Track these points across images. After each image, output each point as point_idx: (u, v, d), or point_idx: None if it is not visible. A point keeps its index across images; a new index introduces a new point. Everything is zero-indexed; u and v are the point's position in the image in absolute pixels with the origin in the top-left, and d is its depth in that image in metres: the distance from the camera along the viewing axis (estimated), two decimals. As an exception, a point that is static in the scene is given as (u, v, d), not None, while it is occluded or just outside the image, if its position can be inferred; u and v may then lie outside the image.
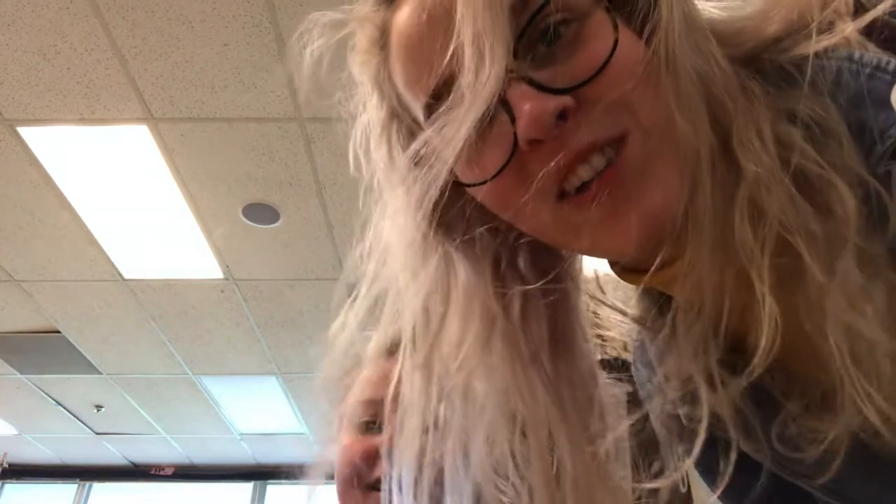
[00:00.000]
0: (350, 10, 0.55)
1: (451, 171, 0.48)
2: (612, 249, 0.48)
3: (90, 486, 6.63)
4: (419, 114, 0.50)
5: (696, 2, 0.51)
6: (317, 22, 0.56)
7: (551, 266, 0.56)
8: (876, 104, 0.43)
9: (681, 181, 0.45)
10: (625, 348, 0.67)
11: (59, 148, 2.96)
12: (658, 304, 0.57)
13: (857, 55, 0.45)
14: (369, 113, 0.56)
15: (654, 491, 0.54)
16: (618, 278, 0.57)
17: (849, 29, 0.46)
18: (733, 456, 0.49)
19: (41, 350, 4.54)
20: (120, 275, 3.76)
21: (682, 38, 0.45)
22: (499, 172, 0.46)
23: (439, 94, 0.47)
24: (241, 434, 5.87)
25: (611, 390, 0.61)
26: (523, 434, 0.55)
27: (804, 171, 0.44)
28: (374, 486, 0.83)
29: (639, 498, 0.55)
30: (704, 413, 0.48)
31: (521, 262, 0.56)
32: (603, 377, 0.60)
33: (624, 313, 0.61)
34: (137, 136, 2.90)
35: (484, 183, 0.47)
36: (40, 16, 2.41)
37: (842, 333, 0.41)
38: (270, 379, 4.88)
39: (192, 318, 4.18)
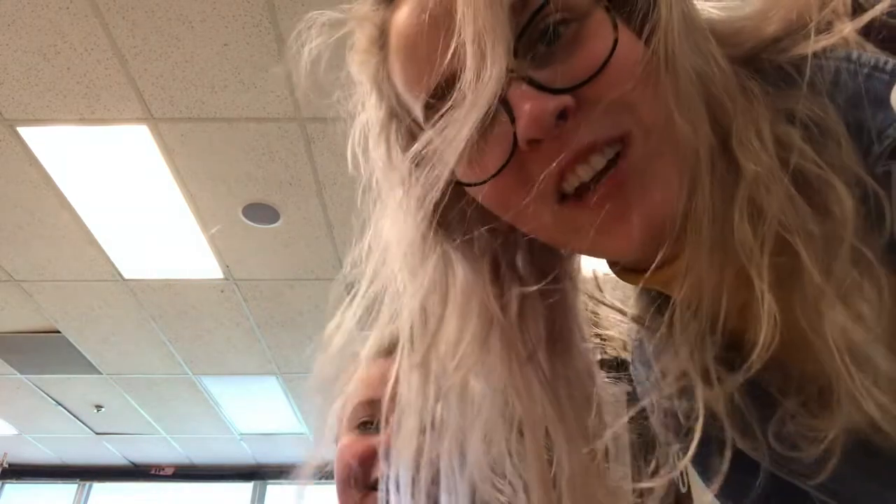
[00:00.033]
0: (349, 10, 0.55)
1: (452, 171, 0.48)
2: (614, 250, 0.48)
3: (90, 486, 6.63)
4: (419, 113, 0.50)
5: (696, 2, 0.51)
6: (315, 21, 0.56)
7: (550, 266, 0.56)
8: (874, 104, 0.43)
9: (680, 181, 0.45)
10: (624, 348, 0.67)
11: (59, 148, 2.96)
12: (656, 304, 0.57)
13: (855, 55, 0.45)
14: (368, 112, 0.56)
15: (653, 489, 0.54)
16: (616, 278, 0.57)
17: (847, 29, 0.46)
18: (728, 454, 0.49)
19: (41, 350, 4.54)
20: (120, 275, 3.76)
21: (681, 38, 0.45)
22: (498, 172, 0.46)
23: (439, 94, 0.47)
24: (241, 434, 5.87)
25: (609, 389, 0.61)
26: (520, 433, 0.56)
27: (803, 171, 0.44)
28: (373, 487, 0.84)
29: (640, 496, 0.56)
30: (700, 410, 0.48)
31: (520, 262, 0.57)
32: (601, 376, 0.60)
33: (623, 312, 0.61)
34: (137, 136, 2.90)
35: (483, 183, 0.47)
36: (40, 16, 2.41)
37: (838, 331, 0.41)
38: (270, 379, 4.88)
39: (192, 318, 4.18)
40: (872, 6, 0.46)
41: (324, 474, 0.91)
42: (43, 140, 2.92)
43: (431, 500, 0.57)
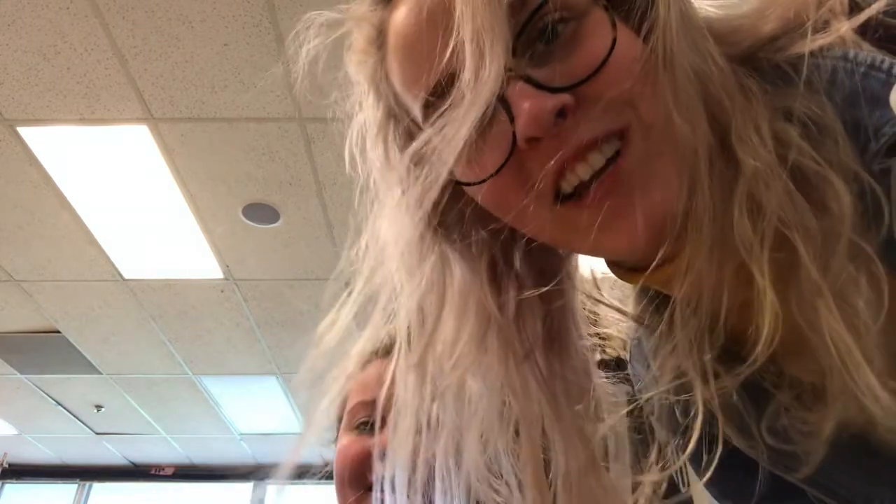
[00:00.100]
0: (347, 10, 0.55)
1: (451, 171, 0.48)
2: (615, 249, 0.48)
3: (90, 486, 6.63)
4: (417, 113, 0.50)
5: (693, 1, 0.51)
6: (313, 21, 0.56)
7: (548, 265, 0.56)
8: (870, 102, 0.43)
9: (680, 179, 0.45)
10: (624, 347, 0.67)
11: (59, 148, 2.96)
12: (655, 303, 0.57)
13: (851, 54, 0.45)
14: (366, 112, 0.56)
15: (651, 488, 0.54)
16: (615, 277, 0.57)
17: (844, 28, 0.46)
18: (719, 448, 0.49)
19: (41, 350, 4.55)
20: (120, 275, 3.76)
21: (679, 37, 0.46)
22: (498, 171, 0.46)
23: (438, 93, 0.47)
24: (241, 434, 5.87)
25: (608, 389, 0.61)
26: (517, 433, 0.56)
27: (801, 167, 0.44)
28: (370, 487, 0.84)
29: (639, 495, 0.56)
30: (700, 407, 0.48)
31: (518, 262, 0.57)
32: (599, 375, 0.60)
33: (621, 311, 0.61)
34: (137, 136, 2.90)
35: (483, 182, 0.47)
36: (40, 16, 2.41)
37: (835, 327, 0.41)
38: (270, 379, 4.89)
39: (192, 318, 4.18)
40: (869, 5, 0.46)
41: (324, 474, 0.92)
42: (43, 140, 2.92)
43: (427, 501, 0.57)
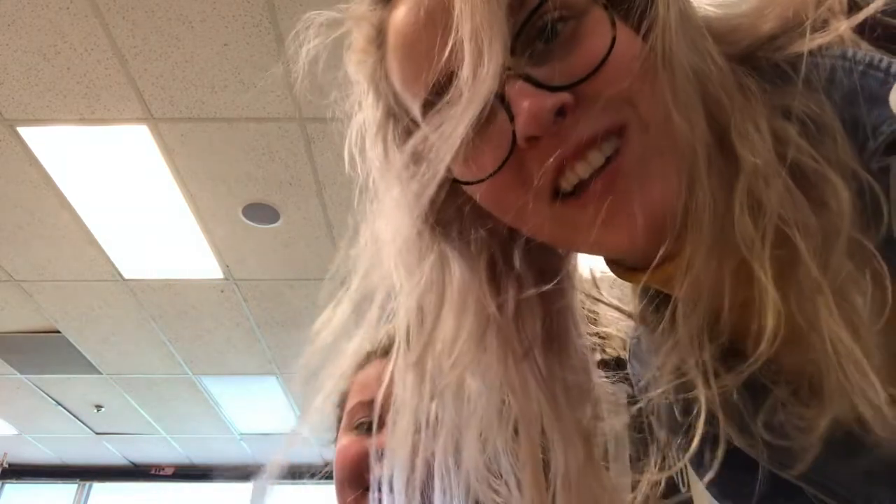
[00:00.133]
0: (346, 10, 0.55)
1: (449, 169, 0.48)
2: (615, 246, 0.48)
3: (90, 486, 6.64)
4: (416, 112, 0.50)
5: (693, 0, 0.51)
6: (313, 21, 0.56)
7: (547, 264, 0.57)
8: (869, 101, 0.43)
9: (679, 177, 0.45)
10: (624, 347, 0.67)
11: (59, 148, 2.96)
12: (655, 302, 0.57)
13: (850, 53, 0.45)
14: (365, 112, 0.56)
15: (653, 487, 0.54)
16: (614, 276, 0.57)
17: (842, 27, 0.46)
18: (722, 449, 0.49)
19: (41, 350, 4.55)
20: (120, 275, 3.76)
21: (678, 35, 0.46)
22: (497, 170, 0.46)
23: (437, 92, 0.47)
24: (241, 434, 5.87)
25: (608, 388, 0.61)
26: (516, 432, 0.56)
27: (799, 165, 0.44)
28: (369, 487, 0.84)
29: (638, 494, 0.56)
30: (703, 406, 0.48)
31: (517, 261, 0.57)
32: (598, 374, 0.60)
33: (621, 310, 0.61)
34: (137, 136, 2.90)
35: (483, 181, 0.47)
36: (40, 16, 2.41)
37: (834, 324, 0.41)
38: (270, 379, 4.89)
39: (192, 318, 4.18)
40: (867, 4, 0.46)
41: (324, 474, 0.92)
42: (43, 140, 2.92)
43: (426, 501, 0.57)
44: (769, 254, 0.43)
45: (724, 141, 0.46)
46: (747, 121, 0.45)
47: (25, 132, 2.88)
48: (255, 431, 5.81)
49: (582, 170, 0.45)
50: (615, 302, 0.62)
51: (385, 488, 0.58)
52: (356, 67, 0.56)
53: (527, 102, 0.43)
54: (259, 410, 5.38)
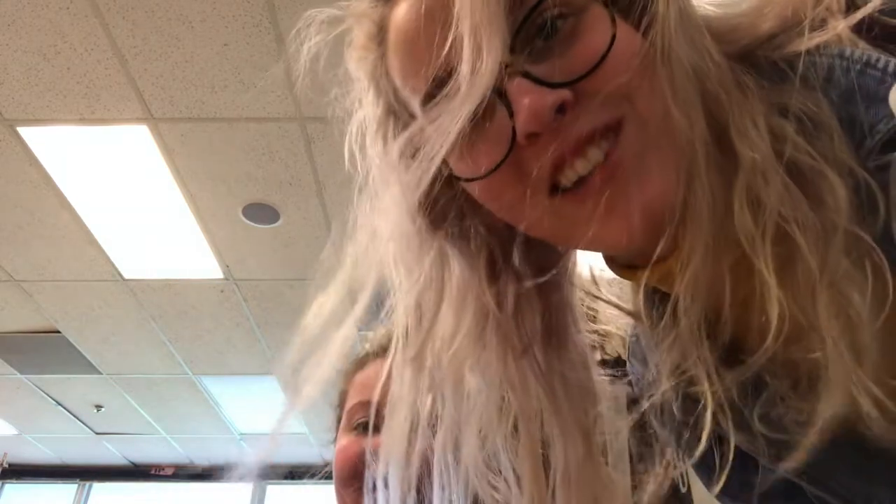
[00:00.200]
0: (347, 7, 0.56)
1: (447, 164, 0.48)
2: (613, 242, 0.48)
3: (90, 486, 6.64)
4: (416, 109, 0.50)
5: (693, 0, 0.51)
6: (314, 19, 0.56)
7: (546, 260, 0.57)
8: (866, 99, 0.43)
9: (677, 173, 0.46)
10: (624, 346, 0.67)
11: (59, 148, 2.97)
12: (654, 299, 0.57)
13: (848, 52, 0.45)
14: (365, 109, 0.56)
15: (660, 486, 0.54)
16: (613, 275, 0.57)
17: (840, 26, 0.46)
18: (731, 451, 0.49)
19: (41, 350, 4.55)
20: (120, 275, 3.77)
21: (677, 33, 0.46)
22: (497, 166, 0.46)
23: (436, 87, 0.47)
24: (241, 434, 5.87)
25: (607, 386, 0.62)
26: (515, 428, 0.56)
27: (796, 162, 0.44)
28: (371, 489, 0.84)
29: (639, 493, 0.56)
30: (709, 402, 0.48)
31: (516, 258, 0.57)
32: (598, 371, 0.61)
33: (620, 308, 0.61)
34: (137, 136, 2.90)
35: (483, 178, 0.47)
36: (40, 16, 2.41)
37: (832, 318, 0.42)
38: (270, 379, 4.89)
39: (192, 318, 4.18)
40: (865, 4, 0.46)
41: (324, 474, 0.92)
42: (43, 140, 2.92)
43: (421, 496, 0.57)
44: (770, 249, 0.44)
45: (722, 138, 0.46)
46: (745, 118, 0.46)
47: (25, 132, 2.88)
48: (255, 431, 5.81)
49: (581, 167, 0.45)
50: (614, 300, 0.62)
51: (380, 483, 0.58)
52: (357, 64, 0.56)
53: (527, 99, 0.43)
54: (259, 410, 5.38)
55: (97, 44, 2.51)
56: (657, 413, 0.58)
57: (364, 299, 0.54)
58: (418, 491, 0.57)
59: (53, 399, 5.28)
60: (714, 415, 0.50)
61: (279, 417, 0.58)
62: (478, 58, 0.43)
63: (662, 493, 0.55)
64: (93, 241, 3.49)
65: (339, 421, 0.97)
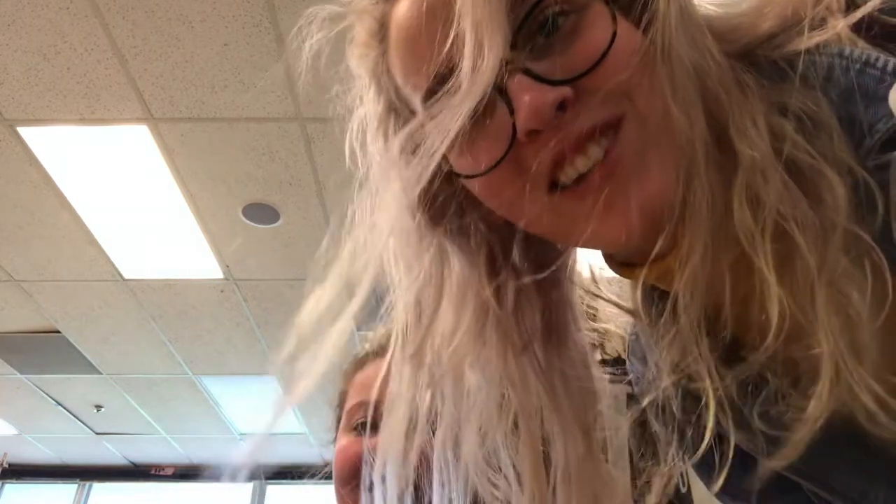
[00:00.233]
0: (349, 4, 0.56)
1: (447, 161, 0.48)
2: (612, 238, 0.48)
3: (90, 486, 6.64)
4: (417, 105, 0.50)
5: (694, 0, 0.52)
6: (315, 16, 0.56)
7: (545, 257, 0.57)
8: (865, 99, 0.43)
9: (677, 171, 0.46)
10: (624, 345, 0.67)
11: (59, 148, 2.97)
12: (653, 298, 0.57)
13: (847, 51, 0.46)
14: (366, 106, 0.57)
15: (665, 485, 0.54)
16: (613, 273, 0.57)
17: (840, 25, 0.46)
18: (731, 449, 0.50)
19: (41, 350, 4.55)
20: (120, 275, 3.77)
21: (678, 31, 0.46)
22: (497, 163, 0.46)
23: (437, 84, 0.47)
24: (241, 434, 5.87)
25: (607, 385, 0.62)
26: (515, 425, 0.56)
27: (795, 160, 0.44)
28: (368, 488, 0.84)
29: (641, 494, 0.56)
30: (711, 400, 0.48)
31: (516, 255, 0.57)
32: (597, 368, 0.61)
33: (620, 306, 0.61)
34: (137, 136, 2.91)
35: (483, 174, 0.47)
36: (40, 16, 2.42)
37: (831, 316, 0.42)
38: (270, 379, 4.88)
39: (192, 318, 4.18)
40: (865, 3, 0.46)
41: (324, 474, 0.92)
42: (43, 140, 2.92)
43: (420, 493, 0.57)
44: (769, 247, 0.44)
45: (722, 136, 0.47)
46: (745, 117, 0.46)
47: (25, 132, 2.88)
48: (255, 431, 5.80)
49: (581, 164, 0.45)
50: (614, 298, 0.62)
51: (377, 479, 0.58)
52: (358, 61, 0.56)
53: (528, 96, 0.43)
54: (259, 410, 5.38)
55: (97, 44, 2.51)
56: (657, 412, 0.58)
57: (361, 293, 0.54)
58: (417, 488, 0.57)
59: (53, 399, 5.28)
60: (714, 413, 0.50)
61: (274, 411, 0.58)
62: (479, 55, 0.43)
63: (669, 493, 0.55)
64: (93, 241, 3.49)
65: (338, 421, 0.97)
